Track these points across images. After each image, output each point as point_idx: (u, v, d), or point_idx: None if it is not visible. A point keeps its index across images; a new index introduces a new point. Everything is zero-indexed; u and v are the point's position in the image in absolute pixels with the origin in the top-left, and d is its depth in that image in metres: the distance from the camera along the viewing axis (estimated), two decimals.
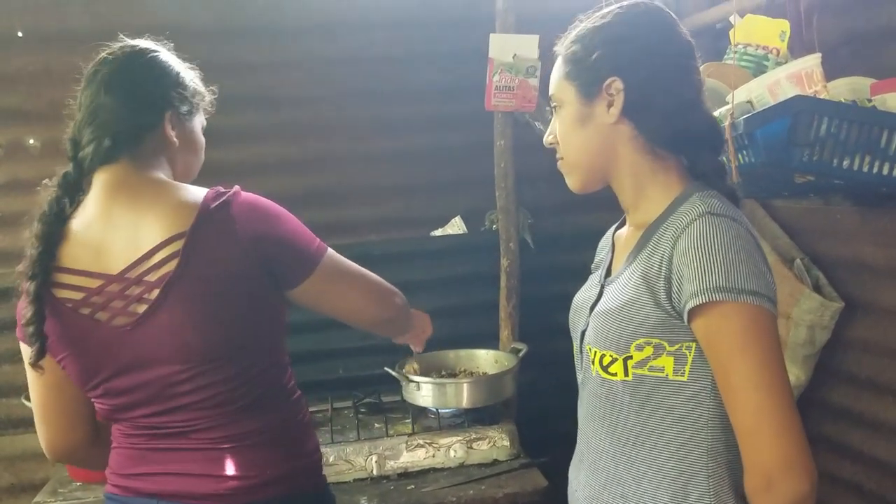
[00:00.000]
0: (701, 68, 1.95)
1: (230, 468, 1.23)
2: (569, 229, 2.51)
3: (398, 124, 2.46)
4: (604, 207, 1.45)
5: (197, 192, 1.22)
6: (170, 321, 1.16)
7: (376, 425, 2.11)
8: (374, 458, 1.94)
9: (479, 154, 2.34)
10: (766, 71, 1.87)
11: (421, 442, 1.97)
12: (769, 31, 1.90)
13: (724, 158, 1.53)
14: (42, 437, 1.32)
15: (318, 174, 2.39)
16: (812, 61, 1.56)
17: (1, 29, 2.22)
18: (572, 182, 1.20)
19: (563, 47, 1.16)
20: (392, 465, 1.95)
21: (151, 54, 1.30)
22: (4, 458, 2.31)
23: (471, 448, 1.99)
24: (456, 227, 2.49)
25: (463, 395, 2.02)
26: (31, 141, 2.27)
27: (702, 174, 1.14)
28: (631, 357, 1.08)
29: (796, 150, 1.43)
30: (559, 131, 1.18)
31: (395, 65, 2.42)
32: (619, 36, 1.10)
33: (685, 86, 1.11)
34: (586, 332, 1.18)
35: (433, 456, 1.97)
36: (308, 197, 2.28)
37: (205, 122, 1.39)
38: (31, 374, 1.27)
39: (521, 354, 2.12)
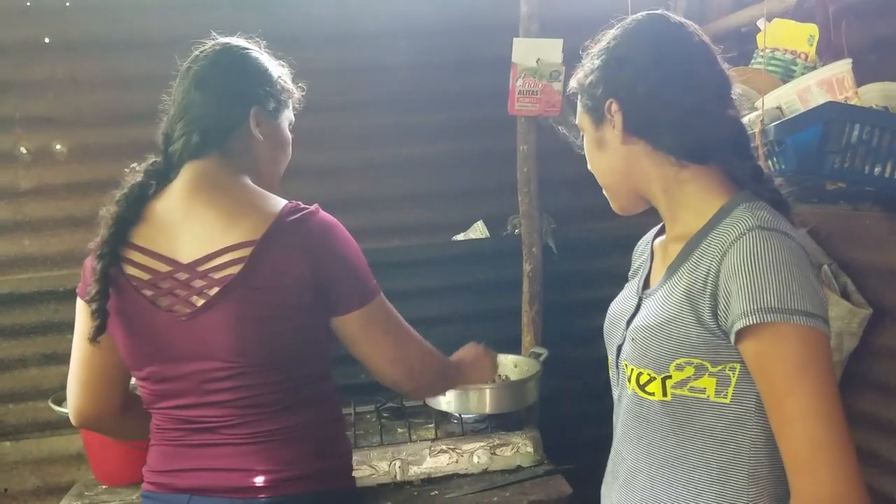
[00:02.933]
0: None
1: (261, 463, 1.24)
2: (592, 235, 2.51)
3: (421, 130, 2.47)
4: None
5: (275, 203, 1.25)
6: (220, 320, 1.19)
7: (399, 430, 2.11)
8: (398, 463, 1.94)
9: (502, 159, 2.33)
10: (794, 75, 1.86)
11: (444, 447, 1.97)
12: (797, 36, 1.88)
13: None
14: (74, 399, 1.33)
15: (342, 181, 2.40)
16: (843, 67, 1.54)
17: (29, 36, 2.25)
18: (613, 206, 1.20)
19: (576, 77, 1.17)
20: (415, 471, 1.95)
21: (241, 52, 1.34)
22: (31, 461, 2.34)
23: (494, 454, 1.98)
24: (478, 231, 2.49)
25: (486, 401, 2.01)
26: (58, 146, 2.30)
27: (741, 182, 1.10)
28: (670, 377, 1.03)
29: (828, 158, 1.42)
30: (587, 158, 1.19)
31: (418, 71, 2.43)
32: (614, 57, 1.09)
33: (689, 94, 1.06)
34: (622, 348, 1.14)
35: (456, 462, 1.96)
36: (331, 203, 2.26)
37: (293, 119, 1.42)
38: (78, 337, 1.31)
39: (541, 359, 2.11)
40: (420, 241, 2.41)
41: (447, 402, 2.02)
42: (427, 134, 2.47)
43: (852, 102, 1.51)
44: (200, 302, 1.20)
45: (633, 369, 1.09)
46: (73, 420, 1.35)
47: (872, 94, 1.59)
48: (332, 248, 1.25)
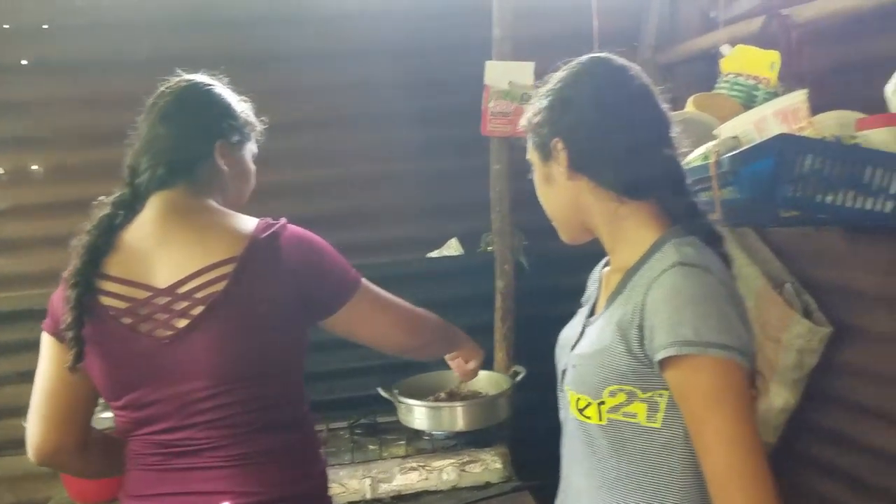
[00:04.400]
0: (690, 99, 1.99)
1: (244, 485, 1.26)
2: (563, 252, 2.50)
3: (396, 148, 2.51)
4: None
5: (249, 221, 1.30)
6: (206, 338, 1.22)
7: (371, 447, 2.14)
8: (368, 480, 1.97)
9: (476, 177, 2.37)
10: (756, 100, 1.90)
11: (414, 465, 2.00)
12: (760, 62, 1.93)
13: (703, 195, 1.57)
14: (34, 434, 1.33)
15: (316, 198, 2.44)
16: (799, 98, 1.58)
17: (6, 58, 2.28)
18: (561, 236, 1.27)
19: (525, 116, 1.23)
20: (385, 488, 1.98)
21: (205, 87, 1.38)
22: (6, 479, 2.36)
23: (463, 471, 2.01)
24: (452, 248, 2.52)
25: (458, 418, 2.04)
26: (35, 167, 2.32)
27: (675, 217, 1.16)
28: (604, 402, 1.09)
29: (781, 187, 1.46)
30: (537, 191, 1.25)
31: (393, 90, 2.47)
32: (559, 98, 1.16)
33: (627, 135, 1.13)
34: (566, 373, 1.20)
35: (426, 479, 1.99)
36: (306, 221, 2.31)
37: (255, 150, 1.46)
38: (44, 371, 1.32)
39: (518, 378, 2.14)
40: (394, 257, 2.44)
41: (419, 419, 2.05)
42: (402, 152, 2.51)
43: (806, 132, 1.55)
44: (183, 323, 1.22)
45: (573, 394, 1.15)
46: (32, 456, 1.35)
47: (829, 122, 1.62)
48: (310, 258, 1.31)
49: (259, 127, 1.46)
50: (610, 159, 1.13)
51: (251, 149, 1.45)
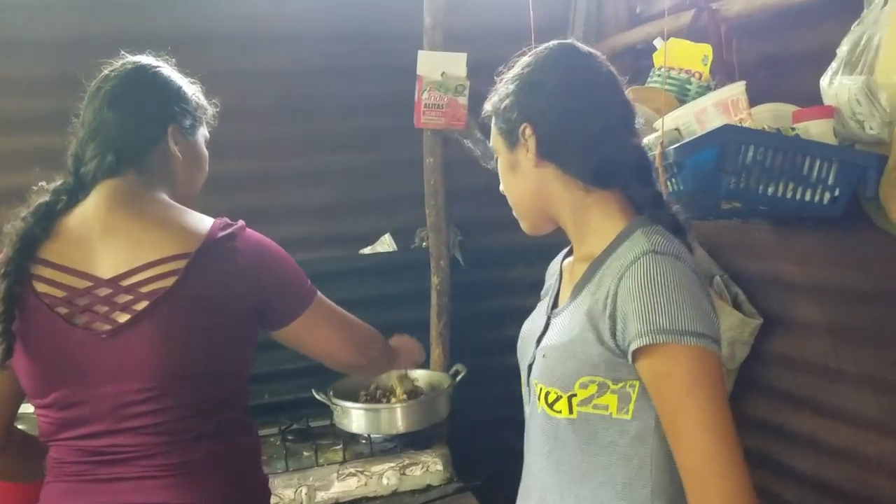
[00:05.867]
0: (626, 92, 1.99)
1: (179, 495, 1.18)
2: (498, 246, 2.53)
3: (326, 139, 2.41)
4: None
5: (204, 219, 1.25)
6: (147, 335, 1.15)
7: (305, 454, 2.05)
8: (304, 489, 1.89)
9: (409, 171, 2.32)
10: (689, 94, 1.92)
11: (352, 470, 1.94)
12: (692, 55, 1.94)
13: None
14: None
15: (244, 192, 2.31)
16: (737, 89, 1.60)
17: None
18: (523, 226, 1.22)
19: (490, 101, 1.19)
20: (323, 497, 1.91)
21: (154, 69, 1.31)
22: None
23: (404, 474, 1.96)
24: (385, 244, 2.47)
25: (398, 419, 1.99)
26: None
27: (641, 207, 1.14)
28: (575, 395, 1.06)
29: (724, 178, 1.46)
30: (501, 180, 1.21)
31: (324, 79, 2.37)
32: (528, 83, 1.12)
33: (598, 121, 1.10)
34: (532, 367, 1.17)
35: (365, 485, 1.93)
36: (233, 215, 2.21)
37: (207, 135, 1.39)
38: None
39: (458, 378, 2.10)
40: (326, 254, 2.35)
41: (357, 422, 1.98)
42: (332, 143, 2.41)
43: (746, 124, 1.57)
44: (124, 318, 1.15)
45: (542, 388, 1.12)
46: None
47: (765, 115, 1.65)
48: (267, 264, 1.26)
49: (211, 110, 1.39)
50: (579, 147, 1.10)
51: (203, 134, 1.38)
